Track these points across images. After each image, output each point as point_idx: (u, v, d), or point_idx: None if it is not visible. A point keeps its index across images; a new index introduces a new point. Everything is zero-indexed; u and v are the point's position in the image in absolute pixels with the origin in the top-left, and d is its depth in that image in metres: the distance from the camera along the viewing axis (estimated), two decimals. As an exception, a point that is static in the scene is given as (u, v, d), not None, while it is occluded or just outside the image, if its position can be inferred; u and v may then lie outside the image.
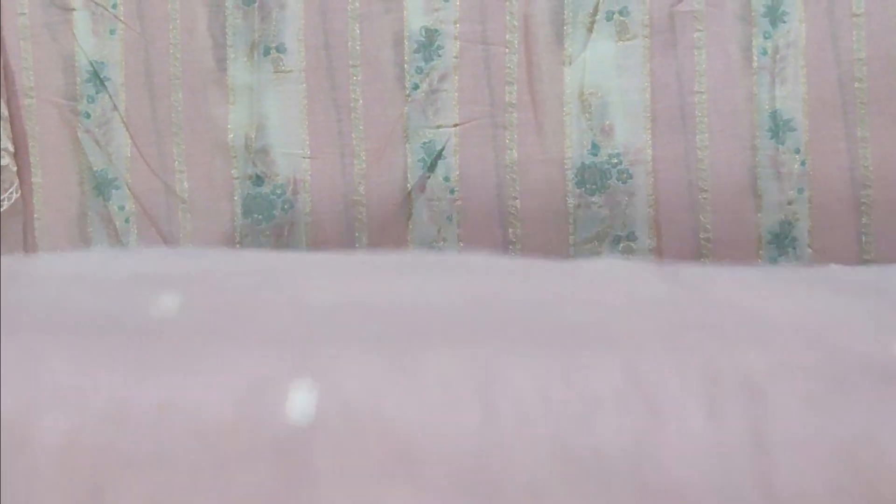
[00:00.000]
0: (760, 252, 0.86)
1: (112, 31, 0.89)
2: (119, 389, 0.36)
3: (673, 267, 0.52)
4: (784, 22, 0.85)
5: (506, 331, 0.41)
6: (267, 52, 0.88)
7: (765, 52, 0.86)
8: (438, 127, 0.87)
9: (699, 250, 0.86)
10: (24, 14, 0.89)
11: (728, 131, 0.86)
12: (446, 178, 0.87)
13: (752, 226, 0.86)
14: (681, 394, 0.36)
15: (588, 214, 0.86)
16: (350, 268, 0.52)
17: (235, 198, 0.89)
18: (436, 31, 0.87)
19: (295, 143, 0.88)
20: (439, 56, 0.87)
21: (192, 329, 0.41)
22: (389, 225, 0.87)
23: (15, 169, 0.88)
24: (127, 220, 0.89)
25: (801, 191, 0.86)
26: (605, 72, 0.86)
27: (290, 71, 0.88)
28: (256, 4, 0.88)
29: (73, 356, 0.38)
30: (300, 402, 0.36)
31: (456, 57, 0.87)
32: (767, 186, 0.86)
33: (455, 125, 0.87)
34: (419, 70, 0.87)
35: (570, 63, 0.87)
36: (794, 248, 0.86)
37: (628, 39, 0.86)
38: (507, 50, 0.87)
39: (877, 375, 0.37)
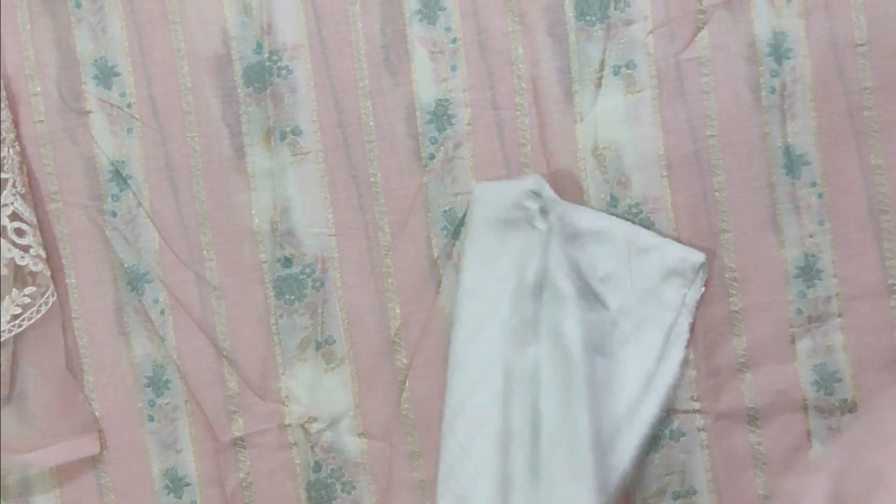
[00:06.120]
0: (787, 287, 0.87)
1: (129, 130, 0.90)
2: None
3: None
4: (789, 58, 0.86)
5: None
6: (283, 137, 0.89)
7: (773, 90, 0.87)
8: (457, 194, 0.89)
9: (727, 289, 0.87)
10: (42, 121, 0.90)
11: (744, 171, 0.87)
12: (471, 244, 0.89)
13: (778, 261, 0.87)
14: None
15: (614, 265, 0.88)
16: None
17: (266, 280, 0.90)
18: (446, 100, 0.88)
19: (319, 222, 0.90)
20: (451, 125, 0.88)
21: None
22: (420, 293, 0.89)
23: (49, 273, 0.89)
24: (162, 312, 0.90)
25: (821, 223, 0.87)
26: (617, 125, 0.87)
27: (307, 152, 0.89)
28: (268, 91, 0.89)
29: None
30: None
31: (469, 124, 0.88)
32: (788, 221, 0.87)
33: (474, 191, 0.89)
34: (433, 140, 0.89)
35: (582, 120, 0.88)
36: (821, 280, 0.87)
37: (637, 92, 0.87)
38: (517, 112, 0.88)
39: None
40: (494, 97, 0.88)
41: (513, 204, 0.85)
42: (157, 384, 0.91)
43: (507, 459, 0.83)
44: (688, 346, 0.87)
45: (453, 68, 0.88)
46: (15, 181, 0.87)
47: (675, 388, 0.87)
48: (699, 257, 0.86)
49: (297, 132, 0.89)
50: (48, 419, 0.89)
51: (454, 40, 0.88)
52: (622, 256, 0.86)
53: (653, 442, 0.88)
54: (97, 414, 0.91)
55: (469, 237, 0.86)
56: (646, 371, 0.87)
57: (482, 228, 0.86)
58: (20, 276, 0.88)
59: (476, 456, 0.84)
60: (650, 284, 0.87)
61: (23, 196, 0.88)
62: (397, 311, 0.89)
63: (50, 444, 0.88)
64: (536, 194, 0.84)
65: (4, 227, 0.86)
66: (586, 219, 0.86)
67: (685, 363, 0.87)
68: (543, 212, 0.84)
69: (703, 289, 0.87)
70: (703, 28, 0.87)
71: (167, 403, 0.91)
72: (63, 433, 0.89)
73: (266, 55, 0.89)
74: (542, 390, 0.84)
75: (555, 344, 0.83)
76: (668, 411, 0.88)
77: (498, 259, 0.86)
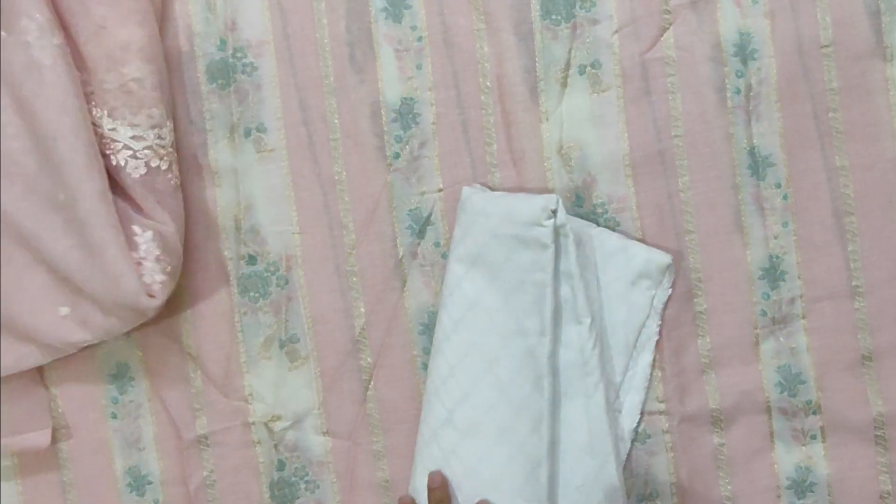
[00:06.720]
0: (752, 288, 0.87)
1: (94, 126, 0.90)
2: None
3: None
4: (755, 59, 0.86)
5: None
6: (248, 134, 0.89)
7: (738, 91, 0.86)
8: (423, 193, 0.88)
9: (691, 290, 0.87)
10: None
11: (709, 172, 0.87)
12: (436, 244, 0.88)
13: (742, 263, 0.87)
14: None
15: (578, 265, 0.87)
16: None
17: (230, 278, 0.90)
18: (411, 98, 0.88)
19: (283, 220, 0.89)
20: (417, 123, 0.88)
21: None
22: (385, 293, 0.89)
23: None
24: (126, 309, 0.90)
25: (785, 224, 0.87)
26: (582, 125, 0.87)
27: (272, 150, 0.89)
28: (232, 88, 0.89)
29: None
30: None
31: (434, 123, 0.88)
32: (752, 222, 0.87)
33: (439, 190, 0.88)
34: (398, 139, 0.88)
35: (547, 119, 0.88)
36: (785, 281, 0.87)
37: (602, 91, 0.87)
38: (483, 111, 0.88)
39: None
40: (460, 96, 0.88)
41: (529, 222, 0.82)
42: (121, 381, 0.91)
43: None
44: (655, 348, 0.87)
45: (419, 66, 0.88)
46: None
47: (647, 390, 0.87)
48: (666, 258, 0.86)
49: (261, 129, 0.89)
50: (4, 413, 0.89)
51: (420, 38, 0.88)
52: (591, 260, 0.86)
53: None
54: (60, 411, 0.91)
55: (471, 246, 0.85)
56: (619, 376, 0.87)
57: (489, 240, 0.84)
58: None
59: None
60: (619, 288, 0.87)
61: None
62: (362, 309, 0.89)
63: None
64: (553, 213, 0.82)
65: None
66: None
67: (653, 365, 0.87)
68: (559, 232, 0.82)
69: (671, 290, 0.87)
70: (668, 28, 0.87)
71: (130, 401, 0.91)
72: (16, 427, 0.89)
73: (230, 52, 0.89)
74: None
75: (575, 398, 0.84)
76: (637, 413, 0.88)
77: (505, 274, 0.84)
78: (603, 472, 0.83)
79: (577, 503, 0.83)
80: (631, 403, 0.87)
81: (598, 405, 0.83)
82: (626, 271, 0.86)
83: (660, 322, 0.87)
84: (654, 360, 0.87)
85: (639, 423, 0.87)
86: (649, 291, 0.87)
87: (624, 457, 0.87)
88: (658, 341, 0.87)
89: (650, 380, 0.87)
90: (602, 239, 0.86)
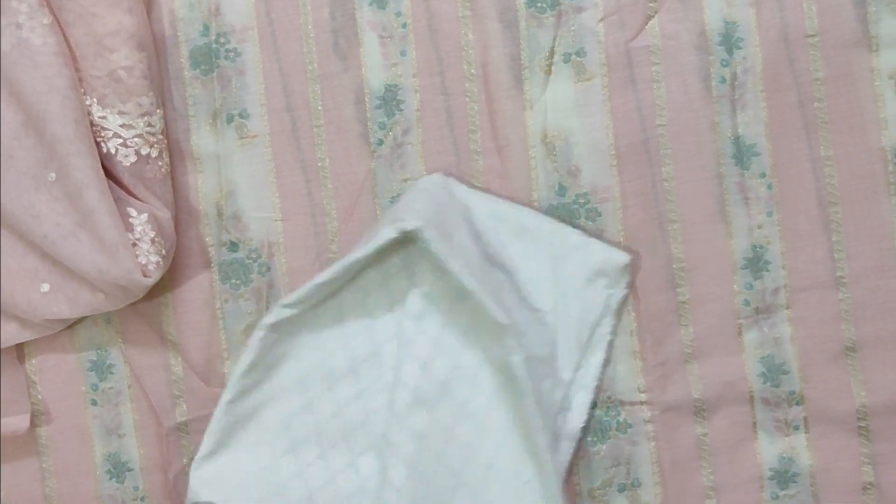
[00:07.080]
0: (735, 277, 0.87)
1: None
2: None
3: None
4: (740, 48, 0.86)
5: None
6: (230, 120, 0.88)
7: (723, 80, 0.86)
8: (406, 180, 0.88)
9: (674, 280, 0.87)
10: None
11: (693, 161, 0.86)
12: (418, 231, 0.88)
13: (726, 252, 0.87)
14: None
15: (561, 254, 0.87)
16: None
17: (211, 264, 0.90)
18: (395, 85, 0.88)
19: (265, 207, 0.89)
20: (401, 110, 0.88)
21: None
22: (366, 281, 0.88)
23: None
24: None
25: (770, 214, 0.86)
26: (567, 113, 0.87)
27: (254, 136, 0.88)
28: (215, 73, 0.88)
29: None
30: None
31: (418, 110, 0.88)
32: (736, 212, 0.86)
33: (423, 177, 0.88)
34: (382, 125, 0.88)
35: (531, 107, 0.87)
36: (769, 271, 0.86)
37: (587, 79, 0.87)
38: (467, 99, 0.88)
39: None
40: (444, 83, 0.88)
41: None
42: (101, 368, 0.90)
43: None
44: (609, 348, 0.87)
45: (403, 53, 0.88)
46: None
47: (600, 390, 0.87)
48: (624, 258, 0.85)
49: (244, 115, 0.88)
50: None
51: (404, 25, 0.88)
52: (546, 256, 0.86)
53: (600, 434, 0.87)
54: (40, 397, 0.90)
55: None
56: (569, 373, 0.86)
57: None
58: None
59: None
60: (574, 285, 0.86)
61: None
62: (344, 297, 0.89)
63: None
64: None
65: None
66: (512, 215, 0.85)
67: (607, 364, 0.87)
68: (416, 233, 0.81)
69: (627, 291, 0.86)
70: (653, 16, 0.86)
71: (110, 388, 0.90)
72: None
73: (213, 37, 0.88)
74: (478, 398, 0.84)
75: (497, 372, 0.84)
76: (616, 402, 0.87)
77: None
78: (542, 471, 0.82)
79: (525, 499, 0.82)
80: (579, 402, 0.86)
81: (528, 407, 0.81)
82: (584, 268, 0.86)
83: (614, 322, 0.86)
84: (635, 350, 0.87)
85: (619, 412, 0.87)
86: (606, 290, 0.86)
87: (569, 455, 0.86)
88: (639, 331, 0.87)
89: (600, 380, 0.87)
90: (562, 235, 0.86)
